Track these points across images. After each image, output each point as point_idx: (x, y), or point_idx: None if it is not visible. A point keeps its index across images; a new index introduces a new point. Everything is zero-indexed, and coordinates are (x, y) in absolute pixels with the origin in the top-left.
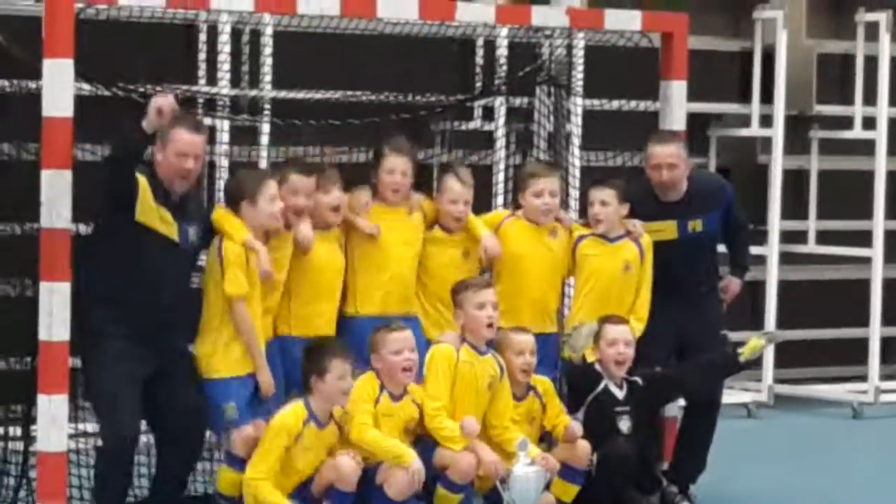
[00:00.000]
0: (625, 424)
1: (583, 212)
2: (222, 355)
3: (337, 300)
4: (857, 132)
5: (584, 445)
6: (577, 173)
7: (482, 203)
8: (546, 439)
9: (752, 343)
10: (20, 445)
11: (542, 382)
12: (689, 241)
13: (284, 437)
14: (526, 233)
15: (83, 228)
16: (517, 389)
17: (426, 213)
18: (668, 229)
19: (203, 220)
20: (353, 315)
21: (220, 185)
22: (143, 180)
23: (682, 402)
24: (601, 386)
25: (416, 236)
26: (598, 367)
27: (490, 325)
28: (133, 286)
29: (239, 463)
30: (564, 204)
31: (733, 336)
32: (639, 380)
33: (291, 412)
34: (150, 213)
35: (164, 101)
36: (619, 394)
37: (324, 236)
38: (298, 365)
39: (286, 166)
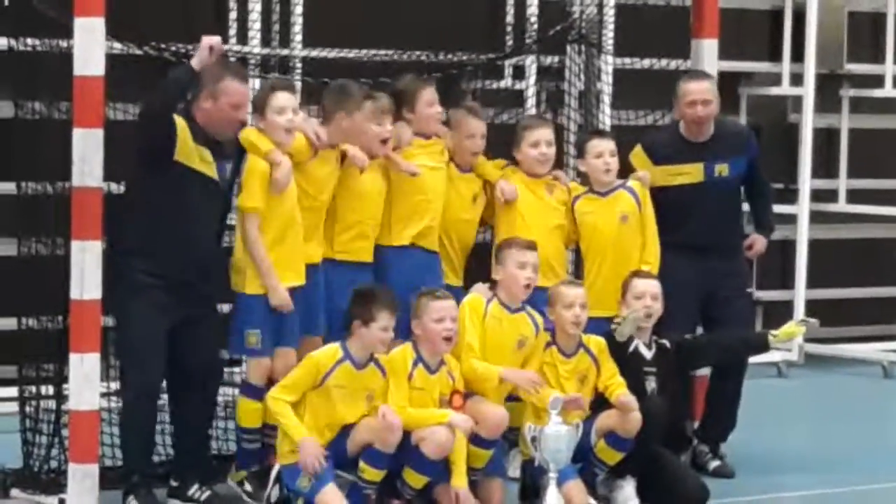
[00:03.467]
0: (651, 385)
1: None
2: (251, 272)
3: (378, 229)
4: (887, 90)
5: (635, 417)
6: None
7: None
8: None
9: (790, 329)
10: (52, 404)
11: (597, 343)
12: (714, 186)
13: (312, 373)
14: (523, 185)
15: (115, 187)
16: (566, 345)
17: (448, 149)
18: (694, 172)
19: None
20: (386, 245)
21: None
22: (181, 121)
23: None
24: (632, 347)
25: (445, 171)
26: None
27: (528, 286)
28: (172, 227)
29: (254, 392)
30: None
31: (764, 295)
32: (667, 342)
33: (327, 352)
34: (190, 152)
35: (213, 38)
36: (648, 354)
37: (371, 165)
38: (340, 292)
39: (353, 89)
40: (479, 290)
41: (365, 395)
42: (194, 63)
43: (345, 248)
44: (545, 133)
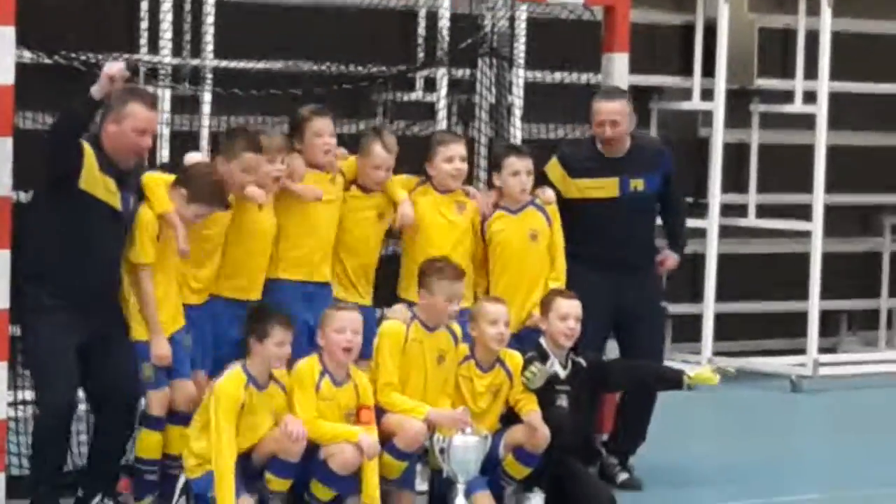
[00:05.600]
0: (562, 402)
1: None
2: (141, 318)
3: (267, 266)
4: (797, 106)
5: (543, 434)
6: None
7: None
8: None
9: (705, 375)
10: None
11: (512, 358)
12: (629, 200)
13: (232, 406)
14: (432, 203)
15: (24, 197)
16: (484, 360)
17: (346, 174)
18: (609, 186)
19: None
20: (276, 278)
21: (161, 154)
22: (88, 149)
23: None
24: (548, 365)
25: (339, 202)
26: (543, 342)
27: (453, 316)
28: (73, 254)
29: (155, 423)
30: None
31: (673, 309)
32: (583, 361)
33: (231, 379)
34: (95, 181)
35: (115, 67)
36: (562, 373)
37: (266, 203)
38: (231, 327)
39: (238, 137)
40: (399, 314)
41: (269, 414)
42: (94, 92)
43: (233, 287)
44: (459, 149)
